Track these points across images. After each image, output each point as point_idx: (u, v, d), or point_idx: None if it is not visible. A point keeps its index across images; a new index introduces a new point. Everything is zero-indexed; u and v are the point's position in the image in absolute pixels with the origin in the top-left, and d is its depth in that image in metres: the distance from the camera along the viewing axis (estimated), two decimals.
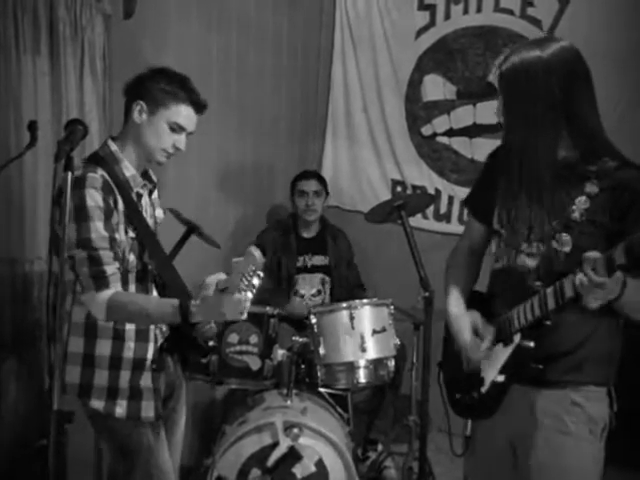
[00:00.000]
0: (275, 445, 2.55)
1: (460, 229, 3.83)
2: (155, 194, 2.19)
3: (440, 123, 3.98)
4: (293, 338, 2.85)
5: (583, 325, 1.69)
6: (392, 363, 2.78)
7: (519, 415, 1.77)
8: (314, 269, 3.70)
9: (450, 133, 3.96)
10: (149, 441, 2.02)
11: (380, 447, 3.52)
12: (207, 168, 3.72)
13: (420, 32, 3.96)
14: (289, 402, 2.73)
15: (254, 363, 2.75)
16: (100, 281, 1.84)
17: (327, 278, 3.71)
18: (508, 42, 3.70)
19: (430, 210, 3.98)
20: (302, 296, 3.68)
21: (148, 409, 2.00)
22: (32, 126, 1.74)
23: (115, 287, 1.86)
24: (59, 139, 1.64)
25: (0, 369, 2.65)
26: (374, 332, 2.72)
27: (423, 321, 2.69)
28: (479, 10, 3.79)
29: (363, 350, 2.68)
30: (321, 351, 2.71)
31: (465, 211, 3.90)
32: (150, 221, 2.08)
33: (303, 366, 2.83)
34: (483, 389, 1.82)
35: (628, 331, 1.74)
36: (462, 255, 2.03)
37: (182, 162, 3.35)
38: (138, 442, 2.01)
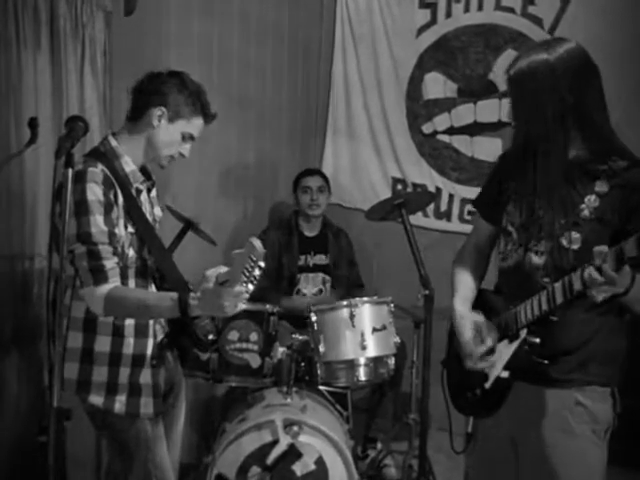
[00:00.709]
0: (275, 443, 2.55)
1: (460, 227, 3.88)
2: (154, 192, 2.19)
3: (441, 121, 3.98)
4: (293, 336, 2.86)
5: (588, 324, 1.70)
6: (392, 361, 2.78)
7: (522, 413, 1.77)
8: (315, 268, 3.70)
9: (451, 131, 3.96)
10: (148, 437, 2.02)
11: (380, 445, 3.53)
12: (208, 164, 3.71)
13: (421, 30, 3.96)
14: (289, 400, 2.73)
15: (254, 361, 2.75)
16: (99, 275, 1.84)
17: (327, 277, 3.71)
18: (509, 40, 3.71)
19: (430, 208, 3.98)
20: (304, 295, 3.68)
21: (147, 405, 2.01)
22: (32, 123, 1.74)
23: (114, 282, 1.86)
24: (60, 136, 1.64)
25: None
26: (374, 330, 2.72)
27: (423, 319, 2.69)
28: (480, 8, 3.80)
29: (363, 348, 2.68)
30: (321, 349, 2.71)
31: (466, 209, 3.92)
32: (149, 218, 2.08)
33: (303, 364, 2.83)
34: (487, 385, 1.82)
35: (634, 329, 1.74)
36: (469, 254, 2.05)
37: (183, 160, 3.35)
38: (137, 438, 2.01)
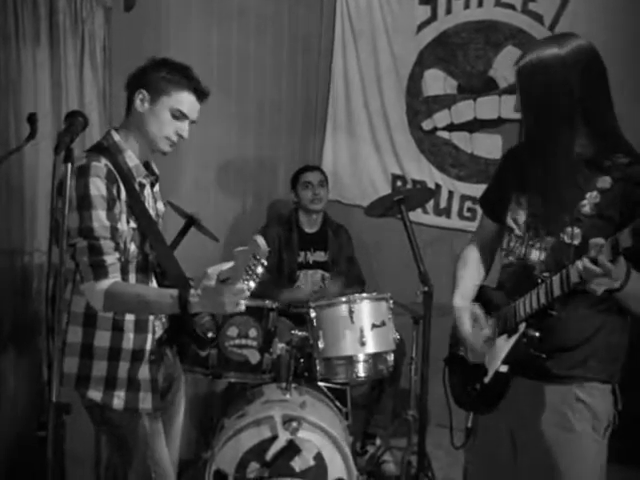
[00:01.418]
0: (274, 439, 2.56)
1: (460, 224, 3.88)
2: (157, 187, 2.19)
3: (441, 118, 3.97)
4: (292, 332, 2.86)
5: (590, 320, 1.70)
6: (391, 357, 2.78)
7: (522, 408, 1.78)
8: (314, 265, 3.70)
9: (451, 128, 3.95)
10: (146, 433, 2.01)
11: (379, 441, 3.54)
12: (207, 161, 3.71)
13: (421, 26, 3.94)
14: (288, 396, 2.73)
15: (253, 357, 2.75)
16: (99, 270, 1.84)
17: (326, 274, 3.71)
18: (509, 37, 3.70)
19: (430, 205, 3.97)
20: None
21: (146, 400, 2.00)
22: (32, 118, 1.73)
23: (114, 277, 1.86)
24: (59, 131, 1.63)
25: None
26: (373, 326, 2.72)
27: (422, 315, 2.69)
28: (480, 5, 3.79)
29: (362, 344, 2.68)
30: (320, 345, 2.71)
31: (465, 206, 3.92)
32: (152, 213, 2.07)
33: (302, 360, 2.83)
34: (486, 379, 1.82)
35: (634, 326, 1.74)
36: (473, 251, 2.06)
37: (182, 155, 3.36)
38: (135, 433, 2.00)
